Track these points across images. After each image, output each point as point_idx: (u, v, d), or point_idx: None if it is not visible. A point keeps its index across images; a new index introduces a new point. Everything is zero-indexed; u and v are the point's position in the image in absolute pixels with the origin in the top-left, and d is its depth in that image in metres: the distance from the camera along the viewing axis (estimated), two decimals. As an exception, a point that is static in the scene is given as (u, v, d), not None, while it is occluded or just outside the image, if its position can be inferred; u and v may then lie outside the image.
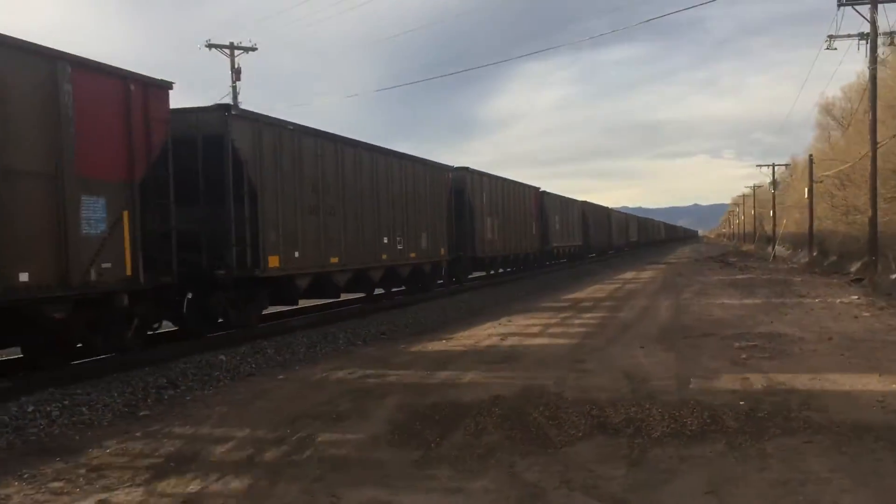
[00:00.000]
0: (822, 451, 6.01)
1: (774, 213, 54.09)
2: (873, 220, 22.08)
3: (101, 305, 9.91)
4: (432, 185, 21.57)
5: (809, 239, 35.49)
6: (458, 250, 23.77)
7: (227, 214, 12.25)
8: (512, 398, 8.25)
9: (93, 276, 9.45)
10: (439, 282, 23.15)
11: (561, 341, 12.69)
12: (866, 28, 22.08)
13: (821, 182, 35.53)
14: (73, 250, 9.14)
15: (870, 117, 22.24)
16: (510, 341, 12.75)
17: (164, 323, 12.06)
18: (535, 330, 14.32)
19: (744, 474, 5.47)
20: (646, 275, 33.41)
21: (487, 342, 12.70)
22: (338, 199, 15.83)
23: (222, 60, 33.32)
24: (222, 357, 10.82)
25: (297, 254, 14.11)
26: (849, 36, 22.30)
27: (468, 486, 5.37)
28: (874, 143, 21.83)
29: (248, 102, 33.19)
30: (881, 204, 25.51)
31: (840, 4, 21.99)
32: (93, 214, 9.54)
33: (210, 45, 32.83)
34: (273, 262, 13.28)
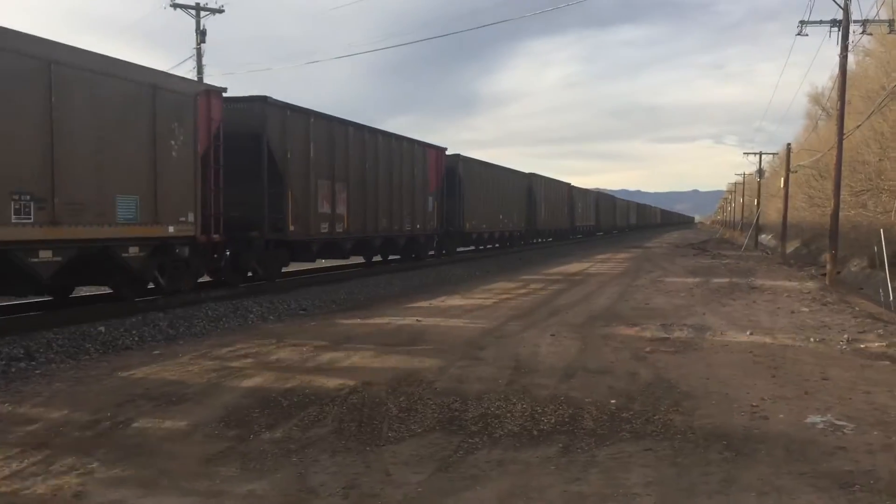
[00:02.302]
0: (656, 461, 5.51)
1: (759, 201, 53.42)
2: (835, 212, 21.44)
3: (428, 238, 25.14)
4: (518, 185, 37.06)
5: (783, 229, 34.90)
6: (528, 224, 38.82)
7: (457, 204, 27.58)
8: (379, 385, 7.78)
9: (429, 226, 24.41)
10: (521, 242, 39.45)
11: (478, 324, 12.22)
12: (840, 15, 21.32)
13: (795, 172, 34.86)
14: (426, 216, 24.10)
15: (838, 106, 21.58)
16: (427, 321, 12.27)
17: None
18: (460, 312, 13.87)
19: (547, 486, 4.95)
20: (620, 256, 35.49)
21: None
22: (487, 193, 31.27)
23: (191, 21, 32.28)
24: (101, 328, 10.29)
25: (474, 221, 29.66)
26: (821, 22, 21.45)
27: (232, 489, 4.84)
28: (840, 134, 21.17)
29: (212, 65, 32.34)
30: (848, 197, 24.93)
31: (813, -12, 21.16)
32: (429, 203, 24.33)
33: (175, 5, 31.57)
34: (468, 225, 28.92)
